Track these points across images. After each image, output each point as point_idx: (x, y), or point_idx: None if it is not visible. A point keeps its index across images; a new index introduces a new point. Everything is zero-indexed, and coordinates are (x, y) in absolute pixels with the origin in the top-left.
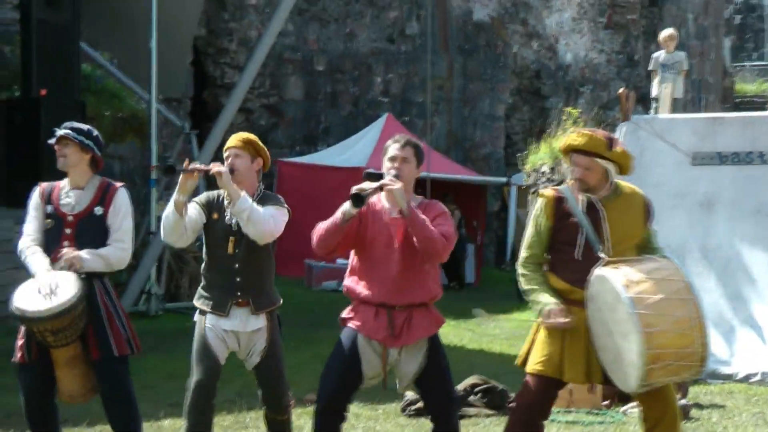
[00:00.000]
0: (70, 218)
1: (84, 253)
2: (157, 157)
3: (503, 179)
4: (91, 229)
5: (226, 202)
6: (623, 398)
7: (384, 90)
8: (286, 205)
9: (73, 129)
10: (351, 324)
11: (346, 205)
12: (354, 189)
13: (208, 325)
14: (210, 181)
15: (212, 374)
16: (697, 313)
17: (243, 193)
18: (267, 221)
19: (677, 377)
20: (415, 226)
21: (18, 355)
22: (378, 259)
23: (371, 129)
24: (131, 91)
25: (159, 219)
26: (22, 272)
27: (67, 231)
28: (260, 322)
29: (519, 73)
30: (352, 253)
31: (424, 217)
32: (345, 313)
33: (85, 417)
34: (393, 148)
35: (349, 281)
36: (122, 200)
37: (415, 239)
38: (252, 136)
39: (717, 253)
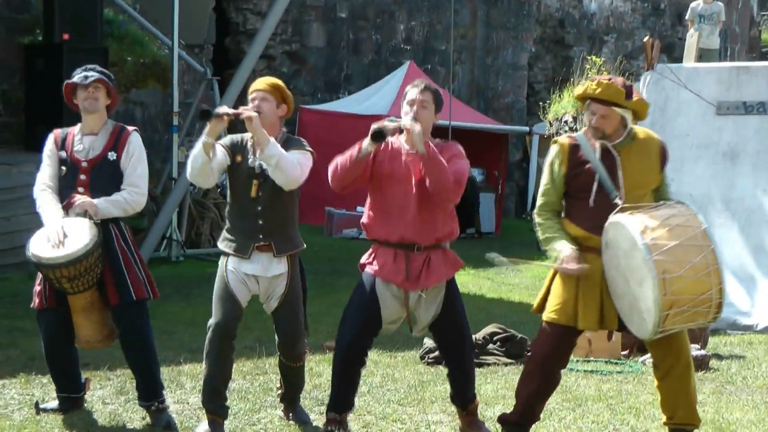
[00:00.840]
0: (84, 164)
1: (98, 201)
2: (178, 103)
3: (525, 129)
4: (105, 175)
5: (249, 145)
6: (642, 348)
7: (406, 38)
8: (309, 148)
9: (103, 73)
10: (369, 269)
11: (366, 141)
12: (375, 125)
13: (230, 268)
14: (234, 127)
15: (231, 316)
16: (713, 260)
17: (272, 139)
18: (294, 167)
19: (693, 324)
20: (430, 167)
21: (36, 301)
22: (395, 196)
23: (393, 77)
24: (153, 36)
25: (180, 165)
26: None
27: (82, 177)
28: (281, 267)
29: (543, 22)
30: (369, 194)
31: (441, 159)
32: (364, 258)
33: (106, 361)
34: (411, 93)
35: (366, 219)
36: (135, 144)
37: (428, 181)
38: (279, 82)
39: (740, 204)
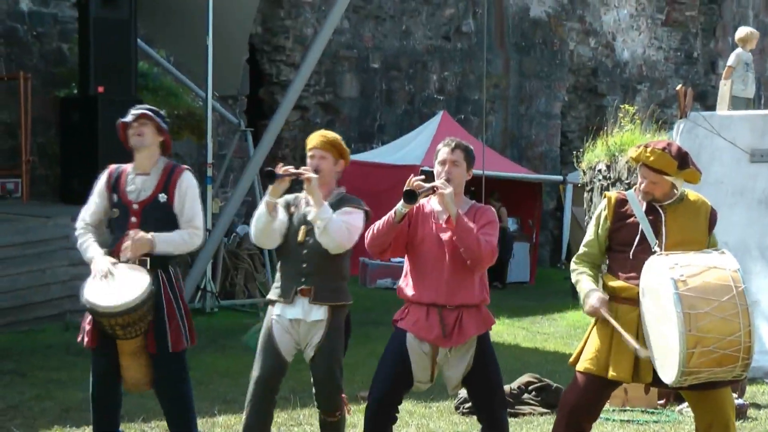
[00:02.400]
0: (135, 206)
1: (154, 235)
2: (212, 154)
3: (559, 177)
4: (156, 217)
5: (302, 198)
6: (679, 397)
7: (439, 88)
8: (365, 207)
9: (150, 110)
10: (402, 325)
11: (399, 205)
12: (407, 186)
13: (275, 316)
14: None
15: (273, 371)
16: (743, 301)
17: (325, 204)
18: (342, 232)
19: (721, 370)
20: (460, 234)
21: (86, 339)
22: (428, 260)
23: (426, 127)
24: (188, 88)
25: (214, 216)
26: (80, 268)
27: (133, 219)
28: (320, 314)
29: (575, 71)
30: (406, 258)
31: (471, 225)
32: (397, 315)
33: (140, 413)
34: (443, 152)
35: (402, 283)
36: (187, 184)
37: (459, 244)
38: (336, 137)
39: None
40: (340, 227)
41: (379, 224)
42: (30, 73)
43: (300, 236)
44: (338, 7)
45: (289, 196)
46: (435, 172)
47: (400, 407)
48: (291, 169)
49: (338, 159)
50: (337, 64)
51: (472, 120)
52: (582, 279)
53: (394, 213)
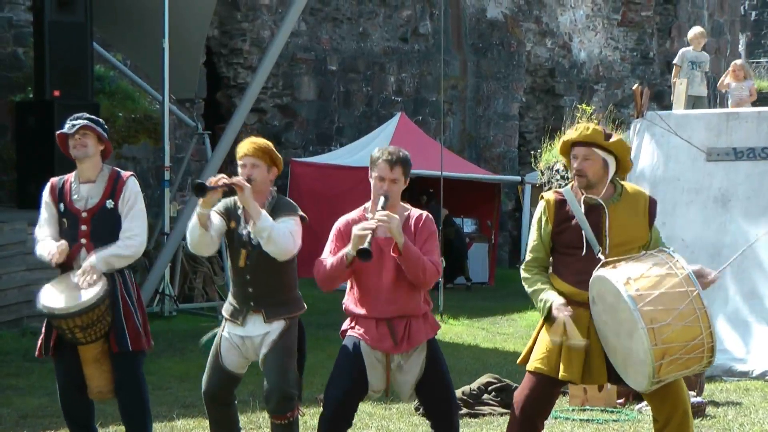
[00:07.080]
0: (84, 214)
1: (96, 261)
2: (169, 158)
3: (517, 178)
4: (105, 224)
5: (241, 211)
6: (637, 396)
7: (397, 89)
8: (300, 212)
9: (90, 119)
10: (353, 333)
11: (348, 248)
12: (355, 232)
13: (225, 334)
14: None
15: (218, 386)
16: (700, 304)
17: (263, 212)
18: (287, 239)
19: (688, 370)
20: (407, 263)
21: (38, 349)
22: (370, 277)
23: (385, 128)
24: (144, 92)
25: (172, 220)
26: (36, 273)
27: (83, 228)
28: (274, 326)
29: (533, 72)
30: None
31: (416, 250)
32: (345, 326)
33: (98, 418)
34: (382, 168)
35: (347, 300)
36: (131, 190)
37: (406, 271)
38: (267, 145)
39: (732, 250)
40: (284, 234)
41: (330, 263)
42: None
43: (241, 261)
44: (295, 10)
45: (229, 201)
46: (372, 185)
47: (360, 409)
48: (224, 179)
49: (271, 166)
50: (294, 66)
51: (430, 121)
52: (542, 289)
53: (346, 256)
